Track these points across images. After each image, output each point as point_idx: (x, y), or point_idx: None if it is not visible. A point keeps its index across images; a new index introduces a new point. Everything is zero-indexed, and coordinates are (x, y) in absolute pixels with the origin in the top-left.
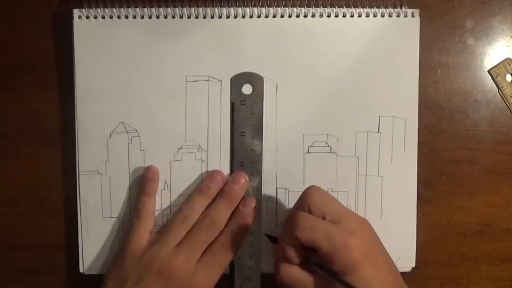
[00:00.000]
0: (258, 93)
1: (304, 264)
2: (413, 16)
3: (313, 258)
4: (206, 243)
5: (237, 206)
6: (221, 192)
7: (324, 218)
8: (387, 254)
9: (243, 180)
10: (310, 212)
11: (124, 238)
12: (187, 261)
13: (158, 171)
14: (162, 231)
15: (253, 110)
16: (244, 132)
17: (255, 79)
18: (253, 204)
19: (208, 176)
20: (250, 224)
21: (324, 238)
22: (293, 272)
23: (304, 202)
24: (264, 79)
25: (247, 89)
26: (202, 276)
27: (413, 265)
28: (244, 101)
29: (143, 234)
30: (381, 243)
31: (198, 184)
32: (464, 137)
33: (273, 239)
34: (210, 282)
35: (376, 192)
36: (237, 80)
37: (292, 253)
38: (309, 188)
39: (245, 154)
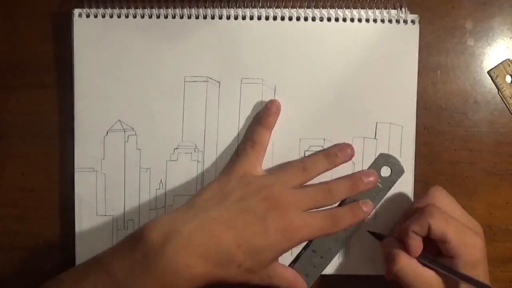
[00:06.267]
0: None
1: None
2: (413, 23)
3: (427, 255)
4: (316, 205)
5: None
6: (349, 175)
7: None
8: None
9: (372, 177)
10: None
11: (230, 163)
12: (297, 202)
13: (280, 106)
14: (276, 169)
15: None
16: None
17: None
18: (371, 210)
19: (339, 146)
20: (360, 221)
21: (456, 232)
22: (413, 264)
23: (430, 200)
24: (263, 82)
25: (385, 171)
26: (304, 224)
27: None
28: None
29: (254, 164)
30: None
31: (326, 148)
32: (463, 138)
33: (378, 236)
34: (305, 236)
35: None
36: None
37: (416, 242)
38: (435, 187)
39: None
